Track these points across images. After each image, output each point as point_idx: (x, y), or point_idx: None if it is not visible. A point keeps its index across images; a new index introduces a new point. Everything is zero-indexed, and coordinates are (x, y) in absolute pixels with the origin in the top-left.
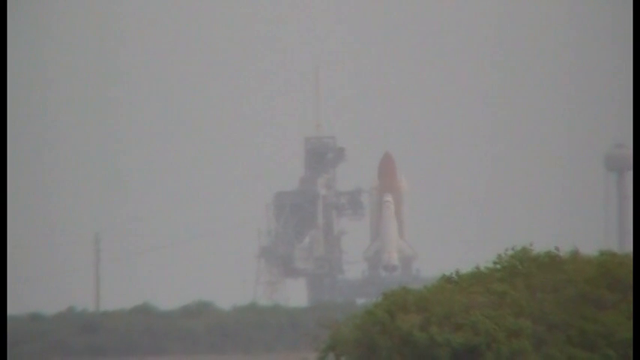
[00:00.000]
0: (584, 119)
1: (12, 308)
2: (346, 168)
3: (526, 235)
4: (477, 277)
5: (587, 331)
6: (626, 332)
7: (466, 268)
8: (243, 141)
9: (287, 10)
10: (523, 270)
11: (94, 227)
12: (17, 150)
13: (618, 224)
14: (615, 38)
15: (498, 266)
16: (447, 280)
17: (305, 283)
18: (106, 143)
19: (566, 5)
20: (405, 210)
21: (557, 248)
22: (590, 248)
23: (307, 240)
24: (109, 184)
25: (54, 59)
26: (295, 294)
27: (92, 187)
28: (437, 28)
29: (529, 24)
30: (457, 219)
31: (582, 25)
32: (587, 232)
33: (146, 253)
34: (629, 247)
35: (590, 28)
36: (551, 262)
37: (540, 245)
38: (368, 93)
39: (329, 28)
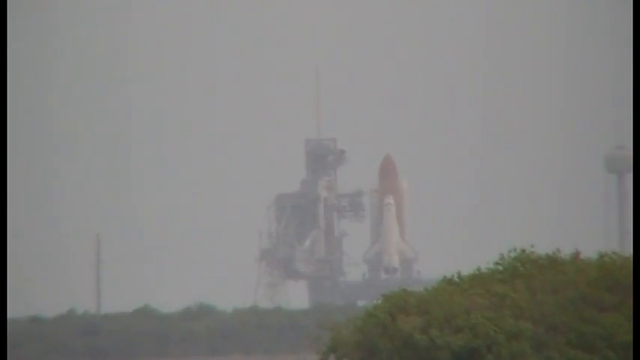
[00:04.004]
0: (585, 121)
1: (12, 310)
2: (347, 170)
3: (527, 236)
4: (478, 278)
5: (587, 334)
6: (627, 334)
7: (467, 270)
8: (244, 143)
9: (287, 12)
10: (524, 272)
11: (95, 229)
12: (18, 151)
13: (618, 226)
14: (615, 39)
15: (500, 267)
16: (447, 281)
17: (306, 285)
18: (107, 144)
19: (566, 6)
20: (406, 212)
21: (558, 250)
22: (590, 250)
23: (308, 242)
24: (110, 186)
25: (57, 59)
26: (296, 296)
27: (93, 188)
28: (437, 30)
29: (529, 25)
30: (458, 221)
31: (582, 25)
32: (588, 233)
33: (147, 256)
34: (629, 249)
35: (590, 29)
36: (551, 263)
37: (541, 247)
38: (369, 95)
39: (329, 30)
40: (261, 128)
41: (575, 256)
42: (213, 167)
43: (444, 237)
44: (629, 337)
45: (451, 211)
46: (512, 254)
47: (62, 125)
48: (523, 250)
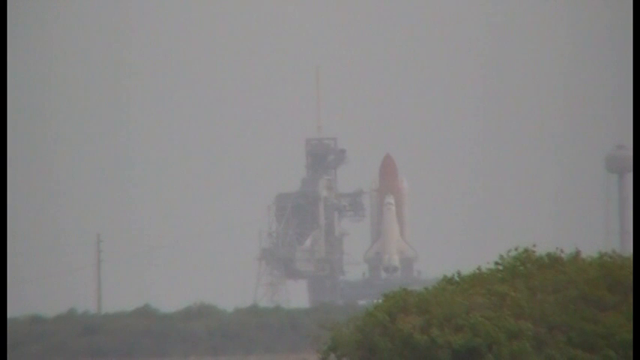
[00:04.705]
0: (585, 120)
1: (12, 310)
2: (347, 169)
3: (527, 236)
4: (478, 278)
5: (587, 332)
6: (627, 333)
7: (467, 269)
8: (244, 143)
9: (287, 11)
10: (524, 271)
11: (95, 229)
12: (18, 151)
13: (619, 225)
14: (615, 38)
15: (500, 267)
16: (448, 281)
17: (306, 284)
18: (108, 144)
19: (567, 5)
20: (406, 211)
21: (560, 249)
22: (590, 249)
23: (308, 241)
24: (110, 185)
25: (57, 59)
26: (296, 295)
27: (94, 188)
28: (437, 30)
29: (529, 25)
30: (458, 220)
31: (582, 25)
32: (588, 233)
33: (147, 255)
34: (629, 249)
35: (590, 28)
36: (552, 263)
37: (541, 246)
38: (369, 94)
39: (329, 30)
40: (261, 128)
41: (576, 255)
42: (213, 167)
43: (444, 237)
44: (630, 336)
45: (451, 211)
46: (513, 254)
47: (62, 125)
48: (526, 250)
